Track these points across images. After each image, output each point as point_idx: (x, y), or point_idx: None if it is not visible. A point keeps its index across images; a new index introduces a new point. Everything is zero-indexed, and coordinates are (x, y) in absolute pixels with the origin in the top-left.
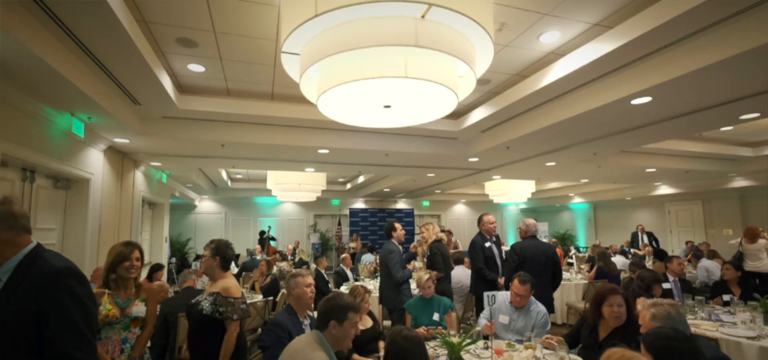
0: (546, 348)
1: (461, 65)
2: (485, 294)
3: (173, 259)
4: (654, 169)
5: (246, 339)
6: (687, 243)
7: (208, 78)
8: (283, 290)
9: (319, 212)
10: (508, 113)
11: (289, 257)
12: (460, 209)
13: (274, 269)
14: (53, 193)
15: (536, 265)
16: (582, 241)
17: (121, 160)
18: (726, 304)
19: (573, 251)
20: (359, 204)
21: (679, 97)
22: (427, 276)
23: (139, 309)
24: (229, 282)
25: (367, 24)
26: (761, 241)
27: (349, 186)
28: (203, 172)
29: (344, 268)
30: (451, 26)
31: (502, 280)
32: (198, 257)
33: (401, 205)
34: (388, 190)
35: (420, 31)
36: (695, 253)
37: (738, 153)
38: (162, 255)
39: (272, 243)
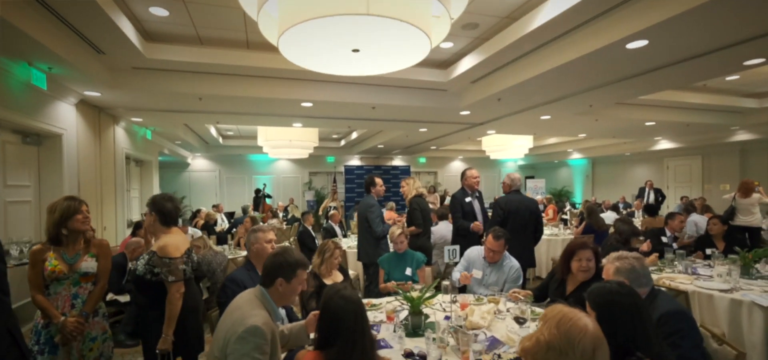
0: (511, 301)
1: (436, 5)
2: (445, 248)
3: None
4: (653, 123)
5: (198, 299)
6: (682, 198)
7: (174, 24)
8: None
9: (314, 169)
10: (498, 61)
11: (281, 214)
12: (457, 166)
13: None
14: (23, 149)
15: (520, 218)
16: (578, 197)
17: (98, 115)
18: (707, 257)
19: (568, 207)
20: (354, 161)
21: (678, 39)
22: (399, 231)
23: (88, 264)
24: (167, 239)
25: None
26: (755, 195)
27: (343, 142)
28: (190, 128)
29: (333, 224)
30: None
31: (477, 225)
32: (194, 215)
33: (397, 162)
34: (382, 146)
35: None
36: (686, 208)
37: (742, 104)
38: None
39: (268, 201)
